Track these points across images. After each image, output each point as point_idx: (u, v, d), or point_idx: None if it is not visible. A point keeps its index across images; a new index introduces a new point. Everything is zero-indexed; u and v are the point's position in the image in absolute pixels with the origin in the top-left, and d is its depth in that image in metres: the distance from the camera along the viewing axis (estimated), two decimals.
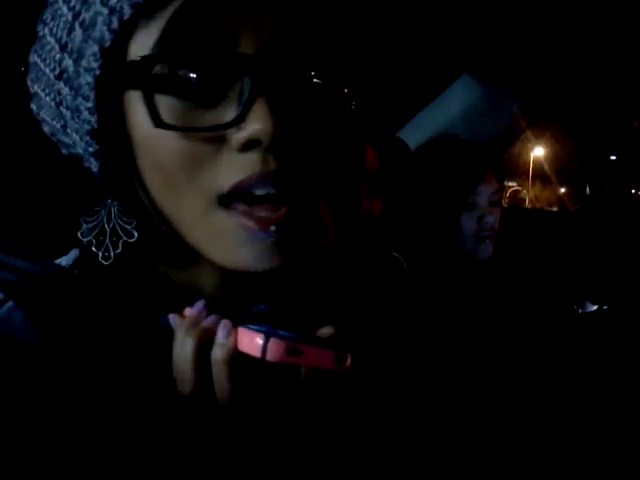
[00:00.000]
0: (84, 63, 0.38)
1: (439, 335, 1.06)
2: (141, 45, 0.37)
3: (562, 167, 15.49)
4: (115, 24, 0.36)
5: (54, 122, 0.43)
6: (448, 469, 0.92)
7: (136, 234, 0.41)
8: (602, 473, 1.08)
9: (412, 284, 1.11)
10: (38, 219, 0.79)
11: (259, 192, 0.38)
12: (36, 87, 0.43)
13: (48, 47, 0.41)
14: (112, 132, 0.40)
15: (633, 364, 1.16)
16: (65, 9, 0.39)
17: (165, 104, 0.37)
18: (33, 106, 0.45)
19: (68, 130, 0.42)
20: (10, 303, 0.39)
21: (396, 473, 0.56)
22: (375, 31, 1.26)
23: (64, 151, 0.45)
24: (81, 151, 0.43)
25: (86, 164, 0.44)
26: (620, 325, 1.15)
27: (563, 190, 16.47)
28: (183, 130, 0.37)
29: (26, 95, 0.45)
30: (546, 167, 15.92)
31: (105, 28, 0.37)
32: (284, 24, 0.38)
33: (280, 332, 0.36)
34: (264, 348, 0.35)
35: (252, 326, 0.37)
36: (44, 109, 0.43)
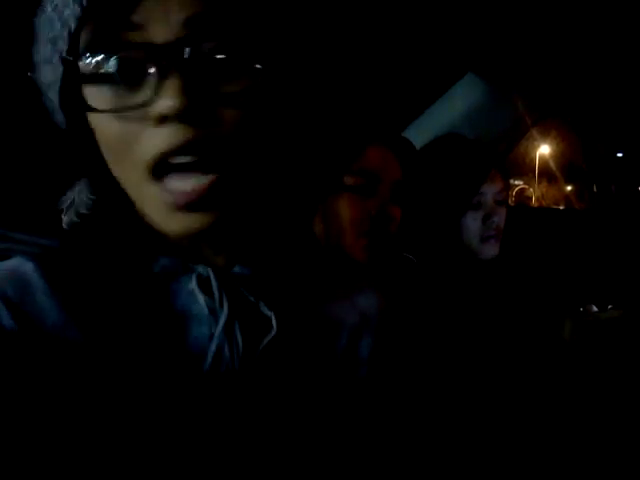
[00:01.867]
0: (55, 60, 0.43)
1: (445, 335, 1.06)
2: (83, 44, 0.42)
3: (568, 165, 15.41)
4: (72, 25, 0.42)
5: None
6: (448, 469, 0.92)
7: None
8: (602, 473, 1.07)
9: (423, 284, 1.11)
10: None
11: (183, 160, 0.42)
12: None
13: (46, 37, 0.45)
14: (72, 118, 0.46)
15: (633, 364, 1.15)
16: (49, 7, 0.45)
17: (96, 92, 0.43)
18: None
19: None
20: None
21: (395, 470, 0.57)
22: (378, 31, 1.26)
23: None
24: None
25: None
26: (620, 325, 1.14)
27: (569, 188, 16.37)
28: (102, 112, 0.42)
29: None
30: (552, 165, 15.84)
31: (66, 33, 0.42)
32: (192, 11, 0.41)
33: None
34: None
35: None
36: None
